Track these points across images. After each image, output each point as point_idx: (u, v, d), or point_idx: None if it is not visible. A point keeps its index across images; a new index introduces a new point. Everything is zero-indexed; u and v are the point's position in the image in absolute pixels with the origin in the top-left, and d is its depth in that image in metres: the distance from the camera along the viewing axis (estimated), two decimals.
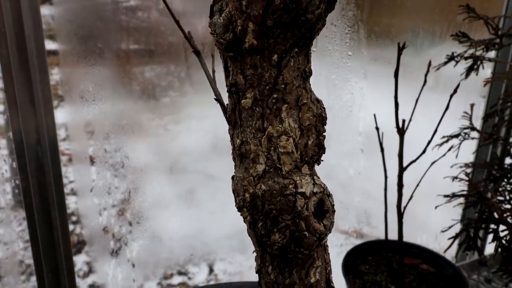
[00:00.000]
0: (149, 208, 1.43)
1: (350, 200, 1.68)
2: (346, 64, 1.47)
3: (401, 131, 1.07)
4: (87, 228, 1.70)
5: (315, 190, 0.54)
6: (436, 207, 1.26)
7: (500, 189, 1.27)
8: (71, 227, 1.74)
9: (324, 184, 0.56)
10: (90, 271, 1.80)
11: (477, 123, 1.32)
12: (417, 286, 1.23)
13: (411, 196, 1.13)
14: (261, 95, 0.52)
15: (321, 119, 0.55)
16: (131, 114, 1.35)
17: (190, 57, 1.33)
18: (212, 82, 0.64)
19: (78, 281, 1.62)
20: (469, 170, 1.32)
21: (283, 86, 0.51)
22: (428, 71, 1.04)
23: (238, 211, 0.57)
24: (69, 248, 1.14)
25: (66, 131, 1.80)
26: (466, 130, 1.28)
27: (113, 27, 1.22)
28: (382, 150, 1.14)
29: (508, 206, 1.23)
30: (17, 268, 1.28)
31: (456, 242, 1.28)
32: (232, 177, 0.58)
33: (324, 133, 0.56)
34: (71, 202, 1.79)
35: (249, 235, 0.59)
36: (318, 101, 0.56)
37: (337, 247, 1.69)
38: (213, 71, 0.66)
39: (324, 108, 0.56)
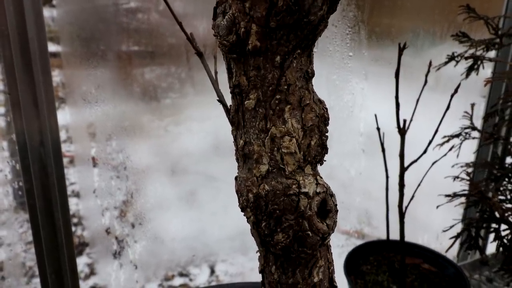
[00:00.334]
0: (151, 210, 1.43)
1: (351, 201, 1.68)
2: (347, 64, 1.47)
3: (402, 131, 1.07)
4: (88, 229, 1.70)
5: (318, 190, 0.54)
6: (437, 207, 1.26)
7: (501, 188, 1.27)
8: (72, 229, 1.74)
9: (327, 184, 0.56)
10: (92, 273, 1.80)
11: (478, 123, 1.33)
12: (418, 286, 1.23)
13: (413, 196, 1.13)
14: (264, 96, 0.52)
15: (324, 119, 0.56)
16: (133, 116, 1.35)
17: (192, 58, 1.33)
18: (215, 83, 0.64)
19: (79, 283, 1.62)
20: (470, 170, 1.32)
21: (286, 87, 0.52)
22: (428, 71, 1.04)
23: (242, 211, 0.57)
24: (72, 249, 1.14)
25: (66, 133, 1.81)
26: (466, 130, 1.28)
27: (114, 29, 1.23)
28: (383, 150, 1.14)
29: (509, 206, 1.23)
30: (19, 269, 1.28)
31: (458, 241, 1.28)
32: (236, 178, 0.58)
33: (326, 134, 0.56)
34: (72, 204, 1.79)
35: (252, 235, 0.59)
36: (321, 102, 0.56)
37: (339, 248, 1.69)
38: (216, 73, 0.66)
39: (326, 109, 0.56)
